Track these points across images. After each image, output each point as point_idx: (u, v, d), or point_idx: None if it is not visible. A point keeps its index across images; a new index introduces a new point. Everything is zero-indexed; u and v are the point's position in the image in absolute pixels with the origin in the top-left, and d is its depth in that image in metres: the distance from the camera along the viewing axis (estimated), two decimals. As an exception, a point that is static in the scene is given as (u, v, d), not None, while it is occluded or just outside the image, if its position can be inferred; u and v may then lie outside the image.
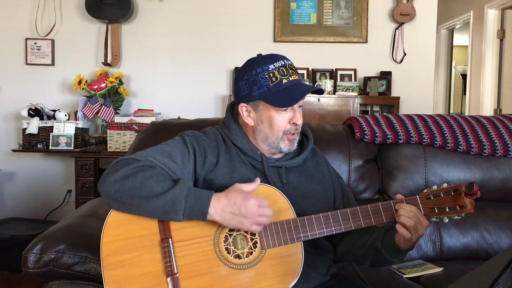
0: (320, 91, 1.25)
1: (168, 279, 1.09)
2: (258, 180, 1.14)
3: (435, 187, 1.16)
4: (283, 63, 1.22)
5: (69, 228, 1.38)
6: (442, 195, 1.13)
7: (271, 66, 1.20)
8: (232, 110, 1.33)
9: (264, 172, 1.25)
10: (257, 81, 1.20)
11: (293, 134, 1.24)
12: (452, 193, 1.12)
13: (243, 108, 1.25)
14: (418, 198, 1.15)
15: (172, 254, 1.10)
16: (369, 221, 1.16)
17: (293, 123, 1.23)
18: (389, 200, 1.17)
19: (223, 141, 1.28)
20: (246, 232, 1.14)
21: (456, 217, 1.12)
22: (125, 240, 1.11)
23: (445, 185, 1.15)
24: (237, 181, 1.18)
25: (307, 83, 3.23)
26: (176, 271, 1.09)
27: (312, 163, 1.34)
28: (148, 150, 1.20)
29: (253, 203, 1.08)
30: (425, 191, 1.16)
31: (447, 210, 1.12)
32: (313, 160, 1.35)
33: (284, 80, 1.20)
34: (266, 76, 1.20)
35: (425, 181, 1.82)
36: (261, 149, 1.27)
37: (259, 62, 1.22)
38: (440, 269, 1.63)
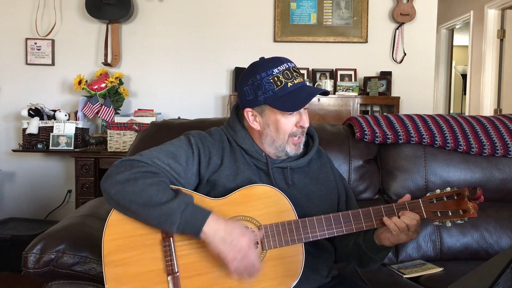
0: (325, 93, 1.25)
1: (169, 278, 1.09)
2: (261, 232, 1.13)
3: (438, 191, 1.15)
4: (287, 66, 1.21)
5: (69, 228, 1.38)
6: (445, 199, 1.13)
7: (275, 70, 1.20)
8: (237, 111, 1.32)
9: (268, 173, 1.25)
10: (262, 85, 1.20)
11: (298, 137, 1.24)
12: (455, 197, 1.12)
13: (248, 113, 1.25)
14: (420, 201, 1.15)
15: (173, 253, 1.10)
16: (371, 224, 1.16)
17: (300, 126, 1.22)
18: (391, 204, 1.17)
19: (228, 142, 1.27)
20: None
21: (459, 221, 1.12)
22: (126, 238, 1.11)
23: (448, 189, 1.14)
24: (241, 183, 1.19)
25: (308, 83, 3.23)
26: (176, 270, 1.09)
27: (317, 164, 1.34)
28: (153, 150, 1.20)
29: (247, 240, 1.07)
30: (428, 194, 1.16)
31: (450, 214, 1.12)
32: (318, 161, 1.35)
33: (289, 84, 1.19)
34: (271, 80, 1.19)
35: (425, 181, 1.82)
36: (266, 151, 1.27)
37: (263, 66, 1.21)
38: (440, 269, 1.63)
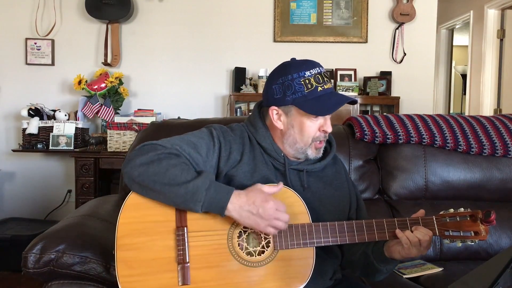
0: (354, 102, 1.26)
1: (179, 267, 1.10)
2: (281, 184, 1.15)
3: (451, 210, 1.15)
4: (319, 70, 1.22)
5: (69, 228, 1.38)
6: (458, 219, 1.13)
7: (307, 73, 1.20)
8: (259, 108, 1.32)
9: (285, 174, 1.25)
10: (292, 86, 1.20)
11: (320, 142, 1.25)
12: (468, 218, 1.12)
13: (273, 111, 1.25)
14: (434, 218, 1.15)
15: (186, 243, 1.11)
16: (383, 235, 1.16)
17: (323, 130, 1.23)
18: (405, 218, 1.17)
19: (248, 139, 1.28)
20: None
21: (469, 242, 1.12)
22: (141, 223, 1.12)
23: (461, 209, 1.14)
24: (257, 181, 1.19)
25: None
26: (187, 260, 1.10)
27: (332, 170, 1.35)
28: (174, 138, 1.20)
29: (272, 205, 1.08)
30: (441, 212, 1.16)
31: (461, 234, 1.12)
32: (333, 168, 1.35)
33: (320, 88, 1.20)
34: (302, 82, 1.20)
35: (425, 181, 1.82)
36: (285, 151, 1.27)
37: (295, 67, 1.22)
38: (440, 269, 1.63)
